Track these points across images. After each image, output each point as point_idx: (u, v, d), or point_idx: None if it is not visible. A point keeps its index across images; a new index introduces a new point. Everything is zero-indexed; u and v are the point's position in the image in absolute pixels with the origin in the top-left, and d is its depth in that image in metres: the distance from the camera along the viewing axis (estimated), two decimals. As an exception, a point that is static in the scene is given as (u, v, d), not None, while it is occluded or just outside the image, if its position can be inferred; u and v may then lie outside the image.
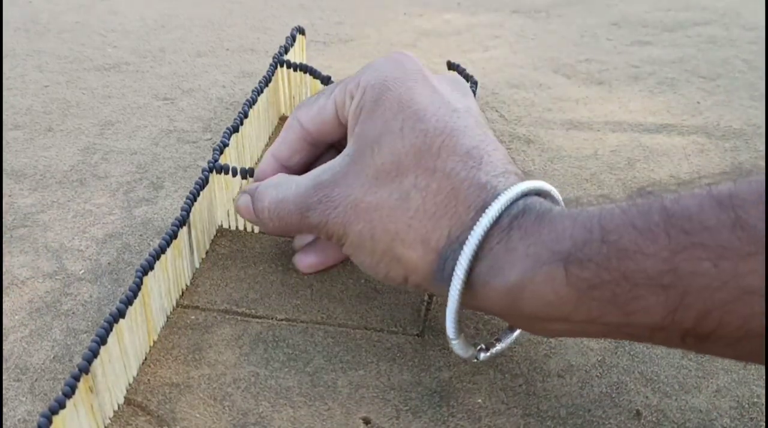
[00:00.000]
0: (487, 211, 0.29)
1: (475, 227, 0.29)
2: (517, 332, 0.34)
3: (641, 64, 0.61)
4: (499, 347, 0.33)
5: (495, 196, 0.30)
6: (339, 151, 0.36)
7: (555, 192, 0.32)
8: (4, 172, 0.47)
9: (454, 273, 0.30)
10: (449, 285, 0.30)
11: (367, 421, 0.32)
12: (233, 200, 0.40)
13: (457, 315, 0.30)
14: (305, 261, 0.38)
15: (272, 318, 0.37)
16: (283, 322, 0.36)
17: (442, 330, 0.36)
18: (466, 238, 0.29)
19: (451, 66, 0.50)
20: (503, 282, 0.29)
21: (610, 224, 0.27)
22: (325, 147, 0.38)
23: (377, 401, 0.33)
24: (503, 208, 0.29)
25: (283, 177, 0.36)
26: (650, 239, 0.26)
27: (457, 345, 0.31)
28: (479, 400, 0.32)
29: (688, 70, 0.60)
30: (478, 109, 0.35)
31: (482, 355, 0.33)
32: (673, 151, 0.50)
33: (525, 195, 0.30)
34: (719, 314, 0.25)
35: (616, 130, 0.52)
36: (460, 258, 0.29)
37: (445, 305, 0.30)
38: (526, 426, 0.31)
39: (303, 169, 0.38)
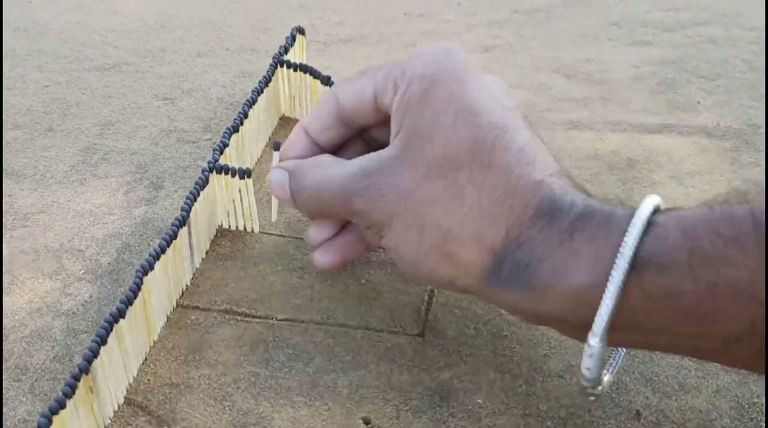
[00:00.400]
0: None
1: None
2: (623, 353, 0.32)
3: (641, 64, 0.61)
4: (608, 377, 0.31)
5: (551, 197, 0.29)
6: (368, 142, 0.37)
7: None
8: (4, 171, 0.47)
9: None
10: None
11: (367, 421, 0.32)
12: (268, 176, 0.38)
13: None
14: (325, 260, 0.37)
15: (272, 319, 0.37)
16: (284, 322, 0.36)
17: (443, 331, 0.36)
18: (525, 240, 0.29)
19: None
20: (568, 286, 0.27)
21: (692, 230, 0.26)
22: (356, 130, 0.37)
23: (377, 401, 0.33)
24: (565, 212, 0.28)
25: (325, 157, 0.35)
26: (738, 248, 0.25)
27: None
28: (479, 400, 0.32)
29: (689, 70, 0.60)
30: None
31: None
32: (674, 151, 0.50)
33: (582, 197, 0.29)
34: None
35: (616, 130, 0.52)
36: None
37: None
38: (526, 426, 0.31)
39: (332, 148, 0.37)
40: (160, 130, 0.52)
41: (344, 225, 0.37)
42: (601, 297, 0.26)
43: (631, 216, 0.27)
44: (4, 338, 0.35)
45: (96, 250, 0.41)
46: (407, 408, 0.32)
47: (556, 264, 0.28)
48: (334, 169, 0.34)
